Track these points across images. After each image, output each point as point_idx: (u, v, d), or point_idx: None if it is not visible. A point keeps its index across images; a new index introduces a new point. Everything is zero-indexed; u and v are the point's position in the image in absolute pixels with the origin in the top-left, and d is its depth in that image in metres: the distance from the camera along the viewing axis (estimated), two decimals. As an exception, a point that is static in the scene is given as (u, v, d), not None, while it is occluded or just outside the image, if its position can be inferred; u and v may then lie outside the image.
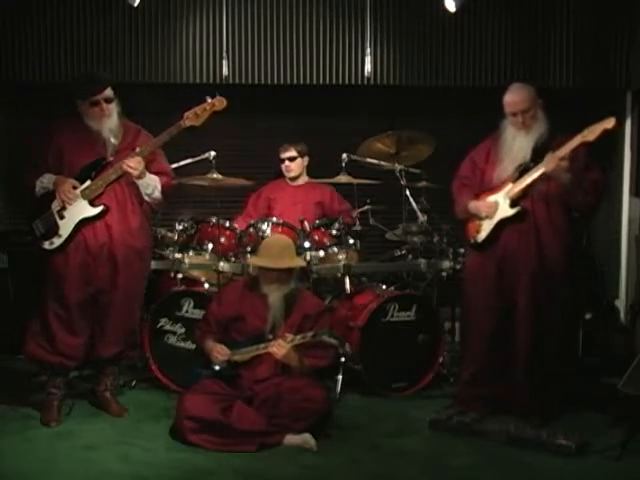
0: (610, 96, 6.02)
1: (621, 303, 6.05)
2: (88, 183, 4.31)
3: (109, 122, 4.34)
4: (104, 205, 4.32)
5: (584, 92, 5.93)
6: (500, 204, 4.37)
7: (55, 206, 4.33)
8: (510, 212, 4.35)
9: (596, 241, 5.99)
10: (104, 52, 5.62)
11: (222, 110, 4.34)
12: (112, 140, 4.35)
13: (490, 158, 4.49)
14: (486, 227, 4.41)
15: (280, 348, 4.22)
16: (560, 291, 4.37)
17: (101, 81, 4.39)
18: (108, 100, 4.33)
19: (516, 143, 4.37)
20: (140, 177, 4.34)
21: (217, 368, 4.29)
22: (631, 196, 6.06)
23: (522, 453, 4.02)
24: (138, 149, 4.32)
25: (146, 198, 4.46)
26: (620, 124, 5.88)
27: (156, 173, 4.45)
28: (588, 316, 5.48)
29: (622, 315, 5.85)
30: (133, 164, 4.27)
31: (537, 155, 4.31)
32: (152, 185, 4.43)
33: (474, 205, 4.45)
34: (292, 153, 5.64)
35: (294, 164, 5.66)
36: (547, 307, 4.35)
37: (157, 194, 4.47)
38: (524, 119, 4.33)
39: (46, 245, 4.33)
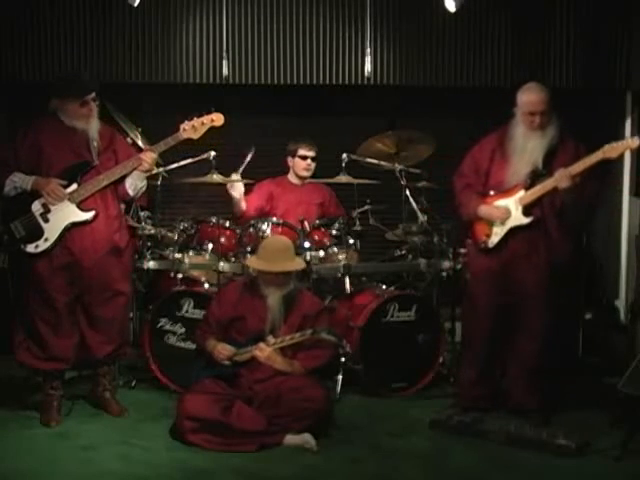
0: (610, 96, 6.01)
1: (621, 303, 6.04)
2: (75, 186, 4.28)
3: (95, 122, 4.34)
4: (95, 210, 4.30)
5: (584, 92, 5.92)
6: (512, 210, 4.32)
7: (37, 208, 4.25)
8: (525, 221, 4.30)
9: (596, 241, 5.98)
10: (104, 52, 5.62)
11: (219, 127, 4.38)
12: (94, 143, 4.33)
13: (495, 158, 4.41)
14: (498, 232, 4.36)
15: (262, 351, 4.23)
16: (564, 292, 4.37)
17: (93, 81, 4.41)
18: (94, 100, 4.32)
19: (529, 144, 4.29)
20: (149, 171, 4.43)
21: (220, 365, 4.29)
22: (631, 196, 6.05)
23: (522, 453, 4.02)
24: (154, 146, 4.39)
25: (132, 192, 4.43)
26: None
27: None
28: (588, 316, 5.49)
29: (622, 315, 5.85)
30: (150, 159, 4.34)
31: (549, 159, 4.27)
32: (144, 178, 4.48)
33: (486, 210, 4.38)
34: (314, 153, 5.55)
35: (313, 165, 5.58)
36: (551, 308, 4.34)
37: (144, 186, 4.53)
38: (541, 120, 4.26)
39: (30, 249, 4.24)
